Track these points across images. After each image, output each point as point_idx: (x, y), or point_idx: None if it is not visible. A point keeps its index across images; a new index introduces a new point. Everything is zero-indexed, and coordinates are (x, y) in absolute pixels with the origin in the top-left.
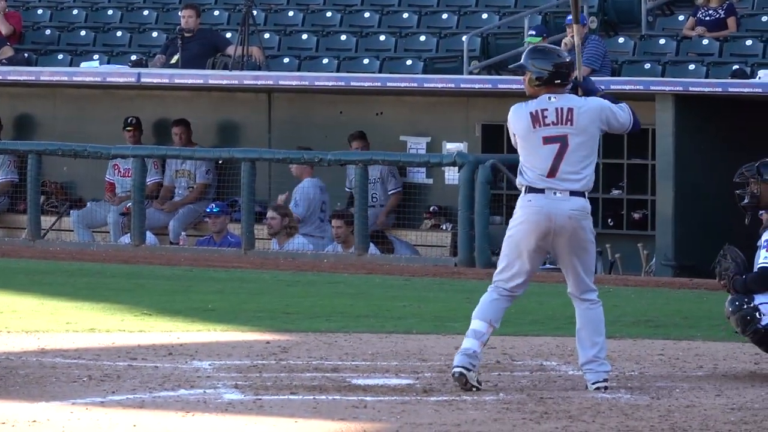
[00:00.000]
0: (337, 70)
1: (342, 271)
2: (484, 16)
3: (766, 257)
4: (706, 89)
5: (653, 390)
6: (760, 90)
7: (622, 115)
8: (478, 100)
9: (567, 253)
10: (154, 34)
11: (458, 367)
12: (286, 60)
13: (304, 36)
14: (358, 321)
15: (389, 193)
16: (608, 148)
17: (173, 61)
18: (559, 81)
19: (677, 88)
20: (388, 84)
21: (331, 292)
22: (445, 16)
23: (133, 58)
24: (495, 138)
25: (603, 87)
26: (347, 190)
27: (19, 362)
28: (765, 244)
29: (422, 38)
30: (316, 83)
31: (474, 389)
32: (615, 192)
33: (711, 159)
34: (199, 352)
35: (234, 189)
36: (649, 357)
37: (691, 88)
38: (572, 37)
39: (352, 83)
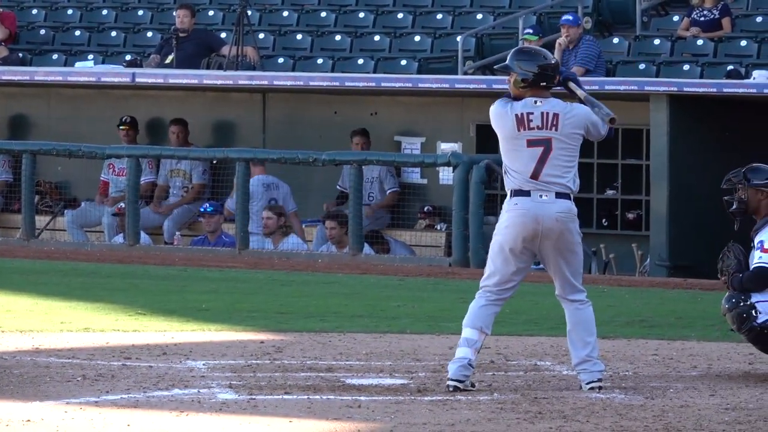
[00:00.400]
0: (332, 70)
1: (336, 271)
2: (479, 16)
3: (761, 257)
4: (701, 90)
5: (647, 390)
6: (754, 90)
7: (601, 126)
8: (473, 101)
9: (554, 255)
10: (149, 34)
11: (453, 380)
12: (280, 60)
13: (299, 36)
14: (352, 321)
15: (387, 191)
16: (602, 149)
17: (168, 61)
18: (544, 83)
19: (672, 89)
20: (383, 84)
21: (325, 292)
22: (439, 16)
23: (128, 58)
24: (489, 138)
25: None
26: (338, 187)
27: (14, 362)
28: (759, 245)
29: (417, 38)
30: (311, 83)
31: (467, 391)
32: (609, 192)
33: (705, 159)
34: (194, 351)
35: (228, 189)
36: (644, 357)
37: (685, 89)
38: (566, 37)
39: (346, 83)
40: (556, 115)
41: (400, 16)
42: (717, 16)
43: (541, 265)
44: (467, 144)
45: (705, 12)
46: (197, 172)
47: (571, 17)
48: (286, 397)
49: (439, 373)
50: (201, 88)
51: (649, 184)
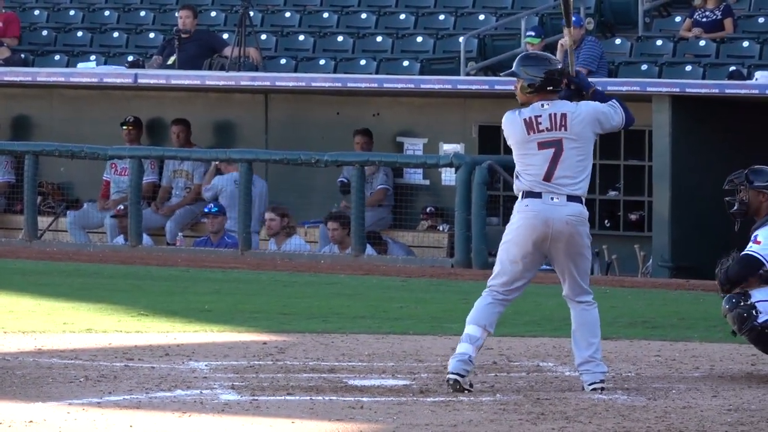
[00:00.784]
0: (334, 71)
1: (339, 272)
2: (481, 17)
3: (750, 247)
4: (703, 90)
5: (650, 391)
6: (756, 91)
7: (614, 116)
8: (475, 102)
9: (563, 257)
10: (151, 35)
11: (453, 373)
12: (283, 61)
13: (301, 37)
14: (354, 322)
15: (377, 186)
16: (605, 149)
17: (170, 62)
18: (551, 88)
19: (674, 90)
20: (385, 85)
21: (327, 292)
22: (442, 17)
23: (130, 59)
24: (492, 139)
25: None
26: (339, 180)
27: (16, 363)
28: (753, 237)
29: (419, 39)
30: (313, 84)
31: (467, 392)
32: (612, 193)
33: (708, 160)
34: (196, 352)
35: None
36: (646, 358)
37: (687, 90)
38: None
39: (349, 84)
40: (564, 115)
41: (402, 17)
42: (719, 17)
43: (546, 267)
44: (470, 145)
45: (707, 13)
46: (199, 173)
47: (573, 18)
48: (288, 398)
49: (441, 374)
50: (203, 89)
51: (651, 185)
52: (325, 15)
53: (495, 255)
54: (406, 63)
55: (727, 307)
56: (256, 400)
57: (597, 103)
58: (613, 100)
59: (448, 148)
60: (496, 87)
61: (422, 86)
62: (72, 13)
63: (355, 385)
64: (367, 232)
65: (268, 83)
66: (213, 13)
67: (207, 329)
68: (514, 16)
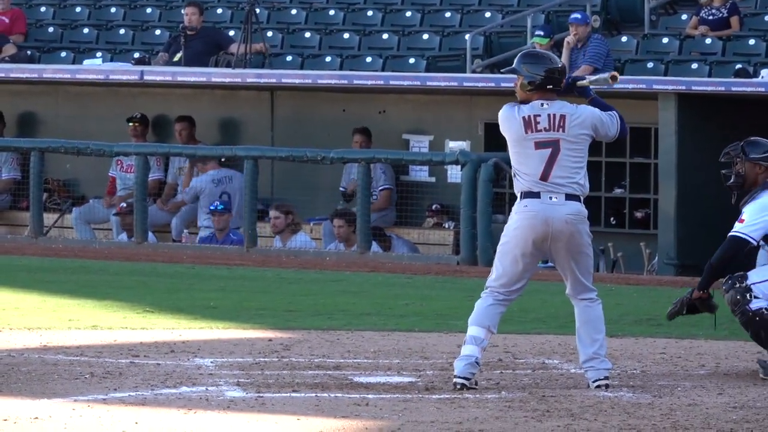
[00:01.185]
0: (340, 69)
1: (344, 269)
2: (487, 14)
3: (735, 226)
4: (709, 88)
5: (655, 388)
6: (762, 89)
7: (611, 126)
8: (481, 99)
9: (564, 256)
10: (157, 31)
11: (460, 378)
12: (288, 58)
13: (307, 34)
14: (360, 319)
15: (379, 189)
16: (611, 147)
17: (176, 59)
18: (551, 86)
19: (680, 87)
20: (391, 82)
21: (333, 290)
22: (448, 14)
23: (136, 55)
24: (498, 136)
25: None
26: (342, 189)
27: (22, 359)
28: (740, 216)
29: (425, 37)
30: (319, 81)
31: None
32: (617, 191)
33: (713, 158)
34: (202, 349)
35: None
36: (651, 355)
37: (693, 88)
38: (575, 36)
39: (354, 81)
40: (563, 117)
41: (408, 14)
42: (725, 14)
43: (550, 264)
44: (475, 142)
45: (713, 11)
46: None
47: (579, 16)
48: (293, 395)
49: (447, 371)
50: (209, 86)
51: (657, 182)
52: (331, 12)
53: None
54: (412, 60)
55: (724, 288)
56: (262, 397)
57: (597, 109)
58: (613, 111)
59: (454, 145)
60: (502, 84)
61: (428, 83)
62: (78, 9)
63: (360, 382)
64: (372, 227)
65: (274, 80)
66: (219, 10)
67: (212, 326)
68: (521, 13)
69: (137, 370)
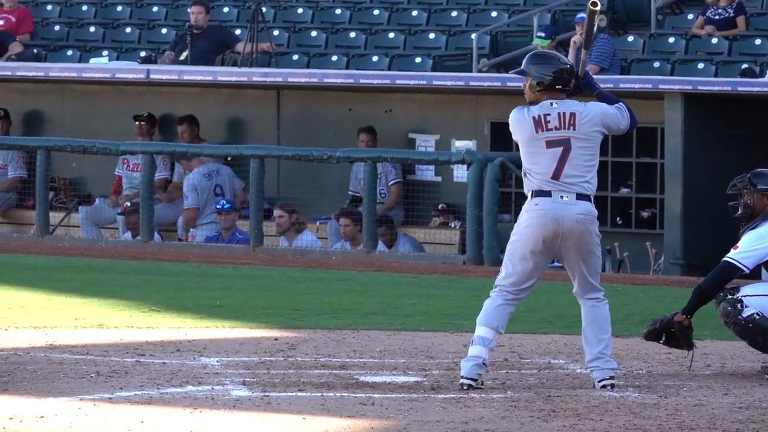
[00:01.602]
0: (346, 68)
1: (350, 268)
2: (494, 14)
3: (729, 252)
4: (715, 88)
5: (661, 388)
6: None
7: (621, 119)
8: (487, 98)
9: (573, 256)
10: (164, 30)
11: (467, 378)
12: (295, 57)
13: (314, 33)
14: (366, 318)
15: (389, 184)
16: (617, 147)
17: (182, 57)
18: (560, 86)
19: (686, 87)
20: (397, 81)
21: (339, 289)
22: (454, 13)
23: (143, 54)
24: (504, 136)
25: (600, 86)
26: (350, 192)
27: (27, 358)
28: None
29: (431, 36)
30: (325, 80)
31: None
32: (624, 190)
33: (720, 158)
34: (207, 348)
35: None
36: (657, 356)
37: (700, 87)
38: (581, 35)
39: (361, 80)
40: (573, 115)
41: (414, 13)
42: (732, 14)
43: (557, 263)
44: (482, 142)
45: (720, 10)
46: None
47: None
48: (299, 394)
49: (453, 371)
50: (215, 84)
51: (663, 182)
52: (338, 11)
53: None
54: (418, 59)
55: (716, 301)
56: (267, 396)
57: (605, 104)
58: (620, 103)
59: (460, 144)
60: (509, 84)
61: (434, 83)
62: (84, 8)
63: (366, 382)
64: (379, 218)
65: (280, 79)
66: (225, 9)
67: (218, 325)
68: (527, 12)
69: (143, 369)
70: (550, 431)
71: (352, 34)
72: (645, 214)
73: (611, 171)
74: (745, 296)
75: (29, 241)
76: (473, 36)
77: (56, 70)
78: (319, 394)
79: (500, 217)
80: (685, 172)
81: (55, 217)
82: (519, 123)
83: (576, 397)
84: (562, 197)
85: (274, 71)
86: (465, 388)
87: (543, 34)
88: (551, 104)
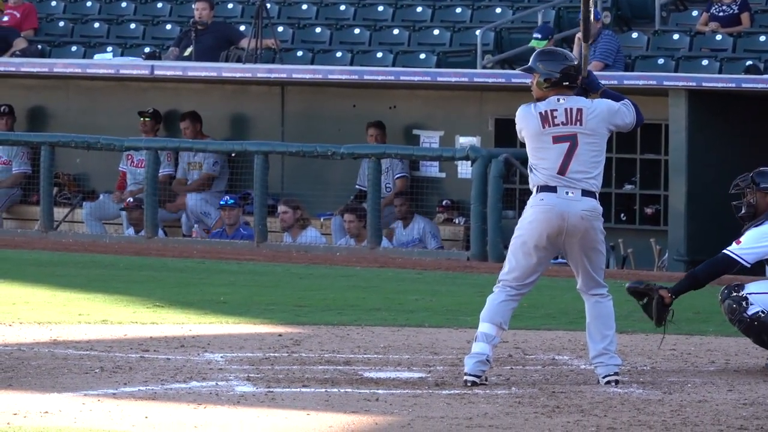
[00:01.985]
0: (351, 64)
1: (354, 264)
2: (498, 10)
3: (731, 245)
4: (720, 85)
5: (665, 385)
6: None
7: (627, 115)
8: (492, 95)
9: (578, 252)
10: (168, 26)
11: (470, 375)
12: (299, 53)
13: (318, 29)
14: (370, 314)
15: (395, 177)
16: (621, 143)
17: (187, 53)
18: (567, 83)
19: (690, 84)
20: (402, 78)
21: (343, 285)
22: (458, 10)
23: (147, 50)
24: (508, 132)
25: (605, 83)
26: (357, 187)
27: (32, 353)
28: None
29: (436, 32)
30: (330, 76)
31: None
32: (628, 187)
33: (724, 154)
34: (212, 344)
35: (246, 182)
36: (661, 352)
37: (704, 84)
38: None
39: (365, 77)
40: (579, 110)
41: (419, 9)
42: (736, 11)
43: (561, 260)
44: (486, 138)
45: (724, 7)
46: (207, 163)
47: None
48: (303, 390)
49: (457, 366)
50: (220, 80)
51: (667, 179)
52: (342, 7)
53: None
54: (422, 56)
55: (721, 298)
56: (272, 391)
57: (612, 101)
58: (626, 100)
59: (464, 141)
60: (513, 80)
61: (439, 79)
62: (89, 4)
63: (370, 378)
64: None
65: (284, 75)
66: (230, 5)
67: (222, 321)
68: (531, 9)
69: (147, 365)
70: (555, 427)
71: (357, 31)
72: (649, 210)
73: (615, 167)
74: (750, 294)
75: (33, 237)
76: (477, 32)
77: (60, 66)
78: (323, 389)
79: (504, 214)
80: (689, 169)
81: (59, 212)
82: (525, 119)
83: (580, 393)
84: (567, 193)
85: (279, 67)
86: (469, 385)
87: (539, 35)
88: (558, 100)
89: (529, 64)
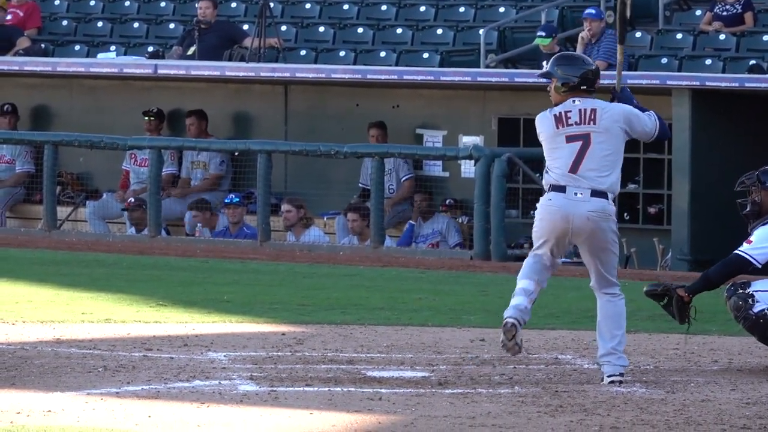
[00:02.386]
0: (354, 63)
1: (358, 263)
2: (501, 9)
3: (741, 246)
4: (723, 84)
5: (668, 384)
6: None
7: (647, 121)
8: (495, 94)
9: (587, 251)
10: (171, 25)
11: (511, 318)
12: (302, 52)
13: (321, 28)
14: (373, 313)
15: (402, 180)
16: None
17: (190, 52)
18: (585, 87)
19: (694, 83)
20: (405, 77)
21: (346, 284)
22: (462, 9)
23: (150, 49)
24: (511, 132)
25: (607, 82)
26: (360, 185)
27: (35, 352)
28: (747, 238)
29: (439, 31)
30: (333, 76)
31: (517, 348)
32: (631, 186)
33: (727, 154)
34: (215, 343)
35: (249, 180)
36: (665, 351)
37: (707, 83)
38: (589, 31)
39: (368, 76)
40: (593, 110)
41: (422, 9)
42: (739, 10)
43: (566, 260)
44: (489, 137)
45: (727, 6)
46: (214, 163)
47: (593, 11)
48: (306, 389)
49: (460, 365)
50: (223, 79)
51: (670, 178)
52: (345, 6)
53: (514, 247)
54: (426, 55)
55: (726, 295)
56: (275, 390)
57: (631, 106)
58: (651, 112)
59: (467, 140)
60: (516, 79)
61: (442, 78)
62: (92, 3)
63: (373, 377)
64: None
65: (287, 74)
66: (233, 4)
67: (226, 320)
68: (534, 8)
69: (150, 364)
70: (558, 426)
71: (360, 30)
72: (652, 210)
73: None
74: (756, 291)
75: (37, 236)
76: (481, 32)
77: (64, 65)
78: (327, 389)
79: (507, 213)
80: (693, 168)
81: (62, 211)
82: (542, 122)
83: (583, 393)
84: (576, 194)
85: (282, 66)
86: (509, 326)
87: (543, 33)
88: (573, 101)
89: (548, 69)
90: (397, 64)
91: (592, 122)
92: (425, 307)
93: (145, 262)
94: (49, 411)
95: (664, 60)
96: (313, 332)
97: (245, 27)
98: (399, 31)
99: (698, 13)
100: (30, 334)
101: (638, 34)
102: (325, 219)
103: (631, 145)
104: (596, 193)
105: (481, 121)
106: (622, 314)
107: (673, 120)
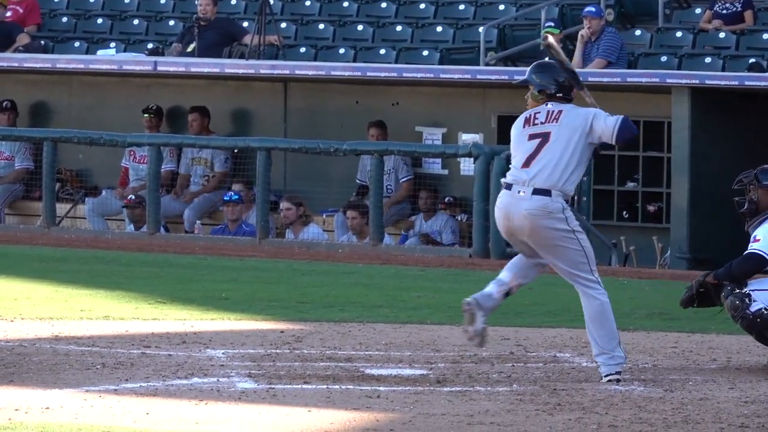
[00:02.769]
0: (354, 60)
1: (356, 261)
2: (501, 7)
3: (752, 246)
4: (723, 82)
5: (666, 382)
6: None
7: (608, 118)
8: (495, 92)
9: (539, 250)
10: (171, 22)
11: (468, 298)
12: (302, 49)
13: (321, 26)
14: (372, 311)
15: (401, 181)
16: None
17: (190, 49)
18: (561, 95)
19: (693, 81)
20: (405, 74)
21: (345, 282)
22: (462, 7)
23: (150, 46)
24: (511, 129)
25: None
26: (358, 181)
27: (33, 349)
28: (753, 237)
29: (439, 29)
30: (333, 73)
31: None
32: (630, 184)
33: (726, 152)
34: (213, 340)
35: (249, 178)
36: (663, 349)
37: (707, 82)
38: (589, 29)
39: (368, 73)
40: (560, 111)
41: (422, 6)
42: (739, 8)
43: None
44: (488, 135)
45: (727, 5)
46: (219, 161)
47: (593, 9)
48: (305, 386)
49: (458, 363)
50: (223, 77)
51: (670, 176)
52: (345, 4)
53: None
54: (425, 52)
55: (724, 294)
56: (273, 388)
57: (597, 109)
58: (618, 116)
59: (467, 138)
60: (516, 77)
61: (442, 76)
62: (92, 0)
63: (371, 375)
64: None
65: (287, 72)
66: (233, 1)
67: (224, 317)
68: (534, 6)
69: (149, 361)
70: (556, 424)
71: (360, 27)
72: (651, 208)
73: (618, 165)
74: (753, 290)
75: (36, 233)
76: (481, 29)
77: (63, 61)
78: (325, 386)
79: None
80: (692, 167)
81: (61, 208)
82: (515, 125)
83: (581, 391)
84: (519, 192)
85: (282, 64)
86: (464, 306)
87: (552, 24)
88: (546, 104)
89: (525, 77)
90: (396, 62)
91: (555, 121)
92: (424, 305)
93: (143, 259)
94: (48, 408)
95: (664, 58)
96: (312, 330)
97: (245, 24)
98: (399, 28)
99: (698, 11)
100: (28, 330)
101: (638, 32)
102: (324, 216)
103: (631, 143)
104: (539, 191)
105: (481, 119)
106: (604, 312)
107: (672, 118)
